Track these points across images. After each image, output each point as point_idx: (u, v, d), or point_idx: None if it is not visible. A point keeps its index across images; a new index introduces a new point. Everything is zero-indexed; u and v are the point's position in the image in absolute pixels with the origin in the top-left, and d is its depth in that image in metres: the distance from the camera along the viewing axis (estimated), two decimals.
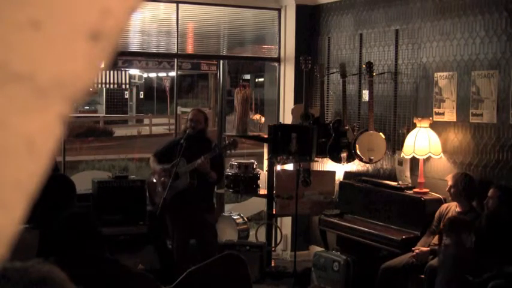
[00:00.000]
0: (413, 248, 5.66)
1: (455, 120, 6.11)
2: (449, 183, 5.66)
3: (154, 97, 29.20)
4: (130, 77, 26.51)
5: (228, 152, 6.50)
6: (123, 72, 24.97)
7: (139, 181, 6.94)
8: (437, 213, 5.78)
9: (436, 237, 5.70)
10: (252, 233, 7.66)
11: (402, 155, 6.37)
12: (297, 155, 6.54)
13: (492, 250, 5.05)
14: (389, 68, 6.84)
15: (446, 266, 4.67)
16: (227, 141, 6.66)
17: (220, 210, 7.99)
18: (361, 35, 7.26)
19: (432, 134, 6.14)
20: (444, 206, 5.79)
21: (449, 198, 5.74)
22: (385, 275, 5.69)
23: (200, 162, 6.07)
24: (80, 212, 3.37)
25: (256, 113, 8.50)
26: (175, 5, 7.53)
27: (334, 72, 7.49)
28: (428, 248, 5.60)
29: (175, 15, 7.55)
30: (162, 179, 6.30)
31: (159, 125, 23.82)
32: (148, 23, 7.68)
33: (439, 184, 6.08)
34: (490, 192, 5.26)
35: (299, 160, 6.65)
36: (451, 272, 4.58)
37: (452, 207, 5.68)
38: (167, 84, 25.92)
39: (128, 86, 26.91)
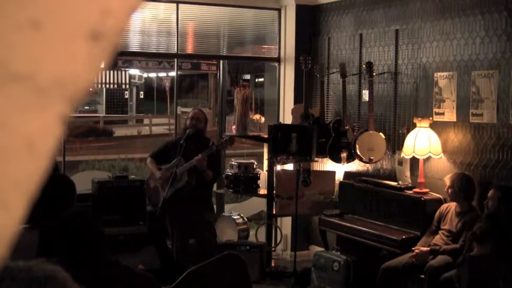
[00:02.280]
0: (413, 248, 5.66)
1: (455, 120, 6.11)
2: (447, 183, 5.66)
3: (154, 97, 29.19)
4: (131, 77, 26.52)
5: (225, 147, 6.52)
6: (123, 72, 24.98)
7: (139, 181, 6.94)
8: (437, 213, 5.78)
9: (437, 237, 5.71)
10: (252, 233, 7.66)
11: (402, 155, 6.37)
12: (297, 155, 6.54)
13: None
14: (389, 68, 6.84)
15: (485, 273, 4.68)
16: (223, 138, 6.69)
17: (220, 210, 8.00)
18: (361, 35, 7.26)
19: (432, 134, 6.14)
20: (444, 206, 5.79)
21: (448, 198, 5.75)
22: (385, 275, 5.69)
23: (198, 158, 6.09)
24: (81, 211, 3.37)
25: (256, 113, 8.49)
26: (175, 5, 7.53)
27: (334, 72, 7.49)
28: (429, 248, 5.60)
29: (175, 15, 7.55)
30: (161, 182, 6.32)
31: (159, 125, 23.82)
32: (148, 23, 7.68)
33: (439, 184, 6.08)
34: (490, 192, 5.26)
35: (299, 160, 6.65)
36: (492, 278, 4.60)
37: (452, 208, 5.68)
38: (167, 84, 25.92)
39: (128, 86, 26.92)
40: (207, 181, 6.36)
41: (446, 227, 5.65)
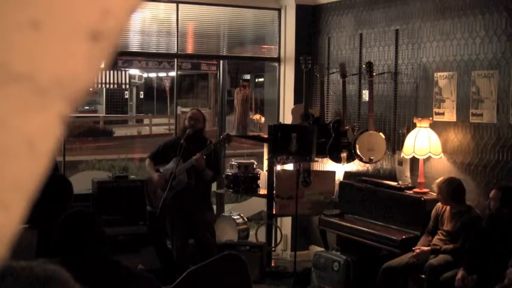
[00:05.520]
0: (414, 248, 5.65)
1: (455, 120, 6.11)
2: (436, 190, 5.67)
3: (154, 97, 29.17)
4: (131, 77, 26.47)
5: (223, 144, 6.52)
6: (123, 72, 24.94)
7: (139, 181, 6.95)
8: (433, 212, 5.76)
9: (435, 238, 5.69)
10: (252, 233, 7.66)
11: (402, 155, 6.37)
12: (297, 155, 6.54)
13: (494, 250, 5.06)
14: (389, 68, 6.84)
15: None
16: (220, 137, 6.68)
17: (220, 210, 8.00)
18: (361, 35, 7.26)
19: (432, 134, 6.14)
20: (439, 204, 5.77)
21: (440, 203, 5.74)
22: (385, 275, 5.69)
23: (196, 158, 6.09)
24: (81, 211, 3.37)
25: (256, 113, 8.49)
26: (175, 5, 7.53)
27: (334, 72, 7.49)
28: (429, 248, 5.60)
29: (175, 15, 7.55)
30: (160, 185, 6.31)
31: (159, 125, 23.81)
32: (148, 23, 7.68)
33: None
34: (492, 193, 5.25)
35: (299, 160, 6.65)
36: None
37: (448, 207, 5.66)
38: (167, 84, 25.90)
39: (127, 86, 26.88)
40: (206, 180, 6.35)
41: (444, 228, 5.64)
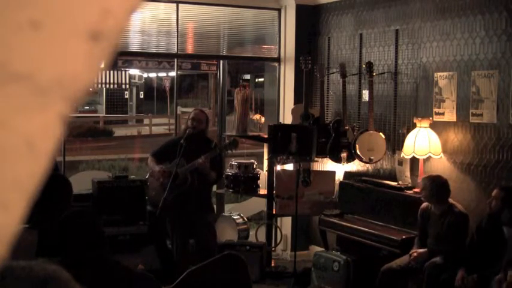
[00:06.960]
0: (410, 252, 5.63)
1: (455, 120, 6.11)
2: (420, 186, 5.66)
3: (154, 97, 29.20)
4: (131, 77, 26.48)
5: (229, 151, 6.52)
6: (123, 72, 24.94)
7: (139, 181, 6.95)
8: (420, 213, 5.71)
9: (428, 241, 5.67)
10: (252, 233, 7.66)
11: (402, 155, 6.37)
12: (297, 155, 6.54)
13: (494, 249, 5.06)
14: (389, 68, 6.84)
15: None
16: (227, 141, 6.66)
17: (220, 210, 7.99)
18: (361, 35, 7.26)
19: (432, 134, 6.14)
20: (424, 205, 5.74)
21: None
22: (385, 276, 5.68)
23: (200, 161, 6.08)
24: (81, 211, 3.37)
25: (256, 113, 8.49)
26: (175, 5, 7.53)
27: (334, 72, 7.49)
28: (426, 250, 5.58)
29: (175, 15, 7.55)
30: (161, 179, 6.30)
31: (159, 125, 23.84)
32: (148, 23, 7.67)
33: None
34: (494, 192, 5.24)
35: (299, 160, 6.65)
36: None
37: (433, 208, 5.65)
38: (167, 84, 25.92)
39: (127, 86, 26.89)
40: (209, 182, 6.35)
41: (432, 231, 5.61)
